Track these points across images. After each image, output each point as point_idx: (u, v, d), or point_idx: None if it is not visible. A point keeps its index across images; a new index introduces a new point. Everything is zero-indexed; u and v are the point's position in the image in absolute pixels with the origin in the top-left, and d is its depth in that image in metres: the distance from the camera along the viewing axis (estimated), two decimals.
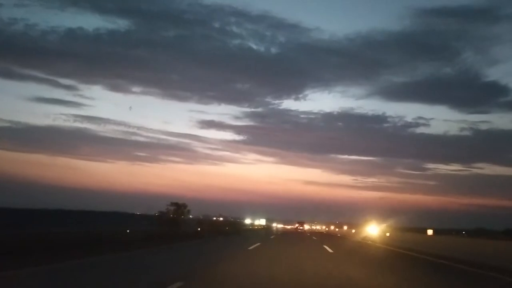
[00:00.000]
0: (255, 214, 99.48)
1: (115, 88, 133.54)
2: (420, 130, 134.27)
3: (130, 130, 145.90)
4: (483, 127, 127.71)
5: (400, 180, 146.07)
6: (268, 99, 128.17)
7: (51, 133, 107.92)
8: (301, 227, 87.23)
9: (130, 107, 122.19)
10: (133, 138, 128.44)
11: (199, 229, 31.28)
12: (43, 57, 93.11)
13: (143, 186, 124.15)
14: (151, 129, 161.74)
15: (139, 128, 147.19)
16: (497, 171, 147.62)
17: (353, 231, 50.80)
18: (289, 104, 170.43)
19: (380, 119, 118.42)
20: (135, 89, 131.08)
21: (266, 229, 74.64)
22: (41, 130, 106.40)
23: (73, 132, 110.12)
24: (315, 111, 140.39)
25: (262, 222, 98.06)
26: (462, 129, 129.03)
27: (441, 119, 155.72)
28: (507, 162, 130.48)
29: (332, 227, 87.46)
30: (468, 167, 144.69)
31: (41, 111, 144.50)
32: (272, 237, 33.56)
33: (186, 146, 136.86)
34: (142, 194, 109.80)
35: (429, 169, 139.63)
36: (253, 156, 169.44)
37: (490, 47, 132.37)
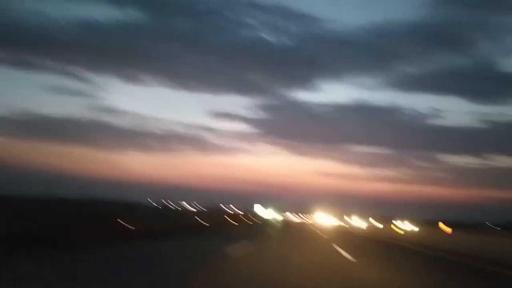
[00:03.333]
0: (266, 205, 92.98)
1: (128, 79, 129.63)
2: (433, 121, 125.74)
3: (143, 121, 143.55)
4: (498, 119, 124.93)
5: (412, 172, 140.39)
6: (281, 90, 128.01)
7: (66, 124, 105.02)
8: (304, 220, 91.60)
9: None
10: (146, 128, 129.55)
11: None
12: (57, 47, 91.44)
13: (155, 176, 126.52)
14: (163, 119, 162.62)
15: (152, 119, 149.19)
16: (510, 163, 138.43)
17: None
18: (301, 95, 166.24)
19: (393, 110, 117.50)
20: (148, 80, 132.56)
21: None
22: (56, 120, 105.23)
23: (88, 123, 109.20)
24: (328, 102, 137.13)
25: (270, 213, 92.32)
26: (477, 121, 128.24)
27: (455, 110, 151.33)
28: None
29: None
30: (482, 159, 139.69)
31: (56, 101, 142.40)
32: None
33: (198, 137, 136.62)
34: (154, 184, 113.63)
35: (441, 161, 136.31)
36: (265, 147, 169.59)
37: (506, 37, 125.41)
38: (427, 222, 52.56)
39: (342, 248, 15.35)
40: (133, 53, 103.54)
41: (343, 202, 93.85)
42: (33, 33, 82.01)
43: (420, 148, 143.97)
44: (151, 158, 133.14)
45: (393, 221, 49.69)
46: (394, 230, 36.38)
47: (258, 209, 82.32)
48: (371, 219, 62.40)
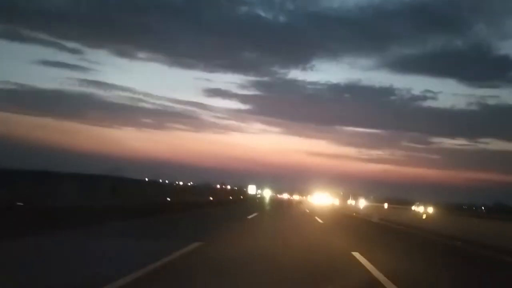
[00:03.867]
0: (258, 184, 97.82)
1: (121, 53, 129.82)
2: (427, 103, 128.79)
3: (136, 96, 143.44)
4: (491, 101, 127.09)
5: (405, 153, 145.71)
6: (275, 69, 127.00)
7: (58, 97, 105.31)
8: (291, 197, 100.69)
9: None
10: (139, 104, 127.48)
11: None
12: (49, 19, 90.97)
13: (149, 153, 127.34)
14: (157, 96, 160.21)
15: (145, 95, 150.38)
16: (503, 146, 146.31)
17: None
18: (296, 74, 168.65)
19: (387, 91, 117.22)
20: (141, 55, 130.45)
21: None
22: (48, 93, 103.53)
23: (79, 97, 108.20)
24: (322, 82, 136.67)
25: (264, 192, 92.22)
26: (470, 103, 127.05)
27: (449, 93, 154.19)
28: None
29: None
30: (474, 142, 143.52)
31: (47, 74, 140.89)
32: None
33: (192, 114, 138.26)
34: (148, 160, 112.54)
35: (434, 143, 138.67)
36: (258, 125, 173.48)
37: (502, 20, 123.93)
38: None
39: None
40: (126, 27, 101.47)
41: (334, 182, 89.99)
42: (24, 6, 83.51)
43: (413, 130, 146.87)
44: (143, 134, 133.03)
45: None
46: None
47: (251, 188, 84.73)
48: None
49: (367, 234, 15.17)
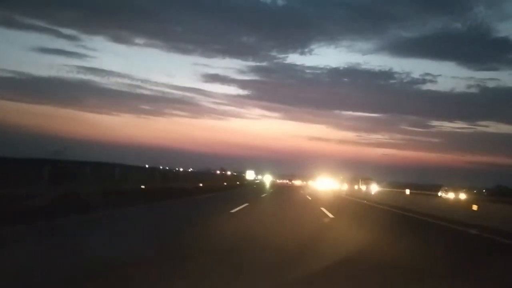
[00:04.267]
0: (258, 169, 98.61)
1: (118, 39, 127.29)
2: (426, 86, 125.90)
3: (134, 83, 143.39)
4: (491, 84, 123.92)
5: (404, 137, 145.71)
6: (273, 53, 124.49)
7: (55, 84, 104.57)
8: (290, 182, 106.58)
9: None
10: (138, 91, 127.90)
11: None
12: (45, 6, 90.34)
13: (148, 139, 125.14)
14: (155, 82, 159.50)
15: (143, 81, 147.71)
16: (502, 129, 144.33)
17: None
18: (294, 58, 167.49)
19: (386, 75, 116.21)
20: (138, 40, 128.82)
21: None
22: (45, 81, 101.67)
23: (77, 84, 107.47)
24: (321, 66, 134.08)
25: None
26: (469, 86, 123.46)
27: (449, 75, 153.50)
28: None
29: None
30: (473, 125, 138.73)
31: (44, 61, 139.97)
32: None
33: (190, 100, 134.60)
34: (147, 147, 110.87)
35: (433, 126, 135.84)
36: (257, 111, 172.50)
37: (502, 2, 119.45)
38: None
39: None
40: (124, 14, 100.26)
41: (336, 167, 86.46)
42: None
43: (412, 113, 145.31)
44: (142, 121, 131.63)
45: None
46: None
47: (249, 174, 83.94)
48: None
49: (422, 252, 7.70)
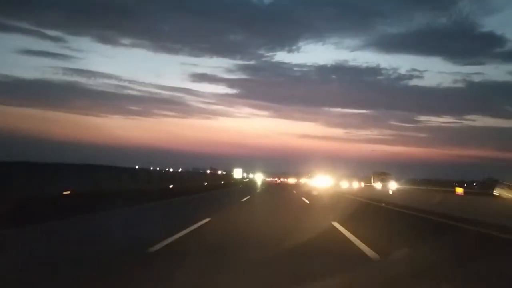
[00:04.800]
0: (249, 168, 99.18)
1: (103, 40, 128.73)
2: (413, 82, 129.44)
3: (122, 83, 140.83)
4: (477, 79, 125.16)
5: (393, 132, 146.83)
6: (261, 51, 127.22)
7: (41, 87, 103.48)
8: (279, 180, 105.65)
9: None
10: (125, 92, 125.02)
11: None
12: (29, 8, 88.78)
13: (137, 140, 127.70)
14: (143, 82, 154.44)
15: (130, 81, 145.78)
16: (488, 123, 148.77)
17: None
18: (282, 56, 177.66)
19: (374, 71, 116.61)
20: (125, 41, 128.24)
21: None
22: (30, 83, 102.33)
23: (63, 86, 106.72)
24: (309, 63, 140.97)
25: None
26: (456, 81, 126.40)
27: (435, 71, 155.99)
28: (499, 114, 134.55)
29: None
30: (460, 119, 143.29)
31: (29, 64, 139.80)
32: None
33: (179, 100, 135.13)
34: (136, 148, 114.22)
35: (421, 121, 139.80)
36: (246, 109, 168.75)
37: None
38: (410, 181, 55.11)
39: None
40: (109, 14, 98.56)
41: (328, 163, 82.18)
42: None
43: (400, 109, 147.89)
44: (130, 122, 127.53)
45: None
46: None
47: (237, 172, 78.63)
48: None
49: None
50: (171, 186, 29.97)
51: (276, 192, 33.78)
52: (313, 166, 68.64)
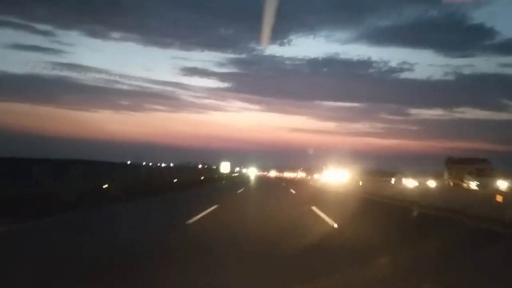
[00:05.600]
0: (241, 162, 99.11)
1: (93, 33, 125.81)
2: (404, 75, 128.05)
3: (112, 78, 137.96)
4: (467, 71, 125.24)
5: (384, 125, 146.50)
6: (252, 45, 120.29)
7: (31, 82, 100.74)
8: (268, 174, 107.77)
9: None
10: (116, 86, 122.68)
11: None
12: (17, 1, 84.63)
13: (128, 135, 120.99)
14: (133, 76, 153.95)
15: (121, 76, 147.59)
16: (478, 115, 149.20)
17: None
18: (273, 49, 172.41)
19: (365, 64, 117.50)
20: (115, 34, 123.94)
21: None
22: (20, 78, 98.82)
23: (53, 81, 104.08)
24: (300, 56, 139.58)
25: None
26: (446, 73, 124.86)
27: (426, 63, 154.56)
28: (489, 106, 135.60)
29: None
30: (451, 112, 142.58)
31: (19, 58, 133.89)
32: None
33: (170, 94, 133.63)
34: (127, 143, 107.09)
35: (412, 114, 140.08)
36: (238, 103, 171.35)
37: None
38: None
39: None
40: (98, 7, 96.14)
41: (317, 157, 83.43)
42: None
43: (391, 102, 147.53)
44: (121, 116, 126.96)
45: None
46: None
47: (224, 166, 73.96)
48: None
49: None
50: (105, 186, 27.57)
51: (267, 193, 26.21)
52: (310, 159, 68.56)
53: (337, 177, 45.21)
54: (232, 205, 15.34)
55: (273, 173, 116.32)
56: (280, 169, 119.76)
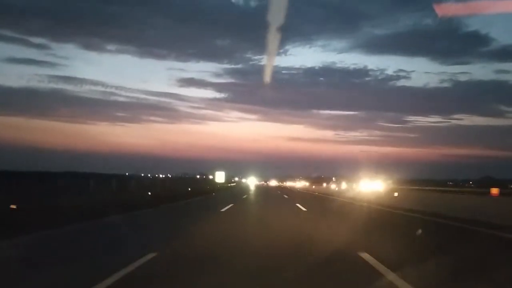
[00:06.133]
0: (239, 172, 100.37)
1: (89, 46, 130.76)
2: (401, 83, 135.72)
3: (108, 90, 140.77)
4: (463, 78, 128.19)
5: (382, 133, 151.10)
6: (249, 55, 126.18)
7: (26, 95, 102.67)
8: (265, 183, 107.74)
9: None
10: (112, 98, 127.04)
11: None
12: (12, 15, 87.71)
13: (125, 147, 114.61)
14: (130, 88, 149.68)
15: (117, 88, 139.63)
16: (475, 121, 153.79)
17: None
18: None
19: (361, 73, 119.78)
20: (110, 47, 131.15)
21: None
22: (16, 92, 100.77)
23: (49, 94, 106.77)
24: (297, 66, 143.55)
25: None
26: (442, 80, 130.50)
27: (422, 71, 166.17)
28: (486, 112, 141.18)
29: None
30: (448, 119, 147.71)
31: (14, 72, 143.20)
32: None
33: (167, 105, 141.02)
34: (125, 155, 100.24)
35: (409, 121, 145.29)
36: (235, 114, 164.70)
37: None
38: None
39: None
40: (92, 19, 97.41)
41: (314, 165, 79.12)
42: None
43: (388, 110, 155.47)
44: (118, 128, 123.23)
45: None
46: None
47: (219, 176, 68.04)
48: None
49: None
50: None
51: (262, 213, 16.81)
52: (299, 169, 62.63)
53: (371, 187, 41.65)
54: (176, 256, 6.31)
55: (273, 183, 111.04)
56: (281, 178, 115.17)
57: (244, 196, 31.97)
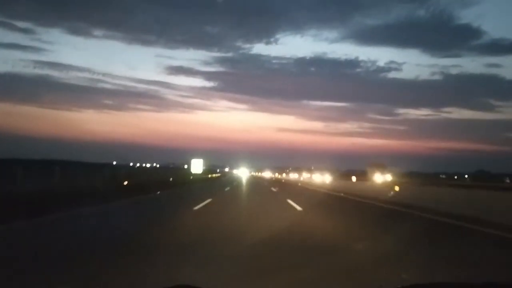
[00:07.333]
0: (232, 163, 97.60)
1: (75, 31, 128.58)
2: (392, 75, 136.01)
3: (95, 77, 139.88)
4: (454, 71, 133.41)
5: (372, 125, 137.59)
6: (239, 43, 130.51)
7: (11, 80, 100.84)
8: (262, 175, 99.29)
9: None
10: (99, 85, 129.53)
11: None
12: None
13: (111, 135, 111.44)
14: (117, 75, 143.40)
15: (104, 74, 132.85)
16: (465, 115, 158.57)
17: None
18: (260, 48, 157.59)
19: (352, 63, 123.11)
20: (97, 32, 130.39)
21: None
22: (0, 77, 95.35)
23: (35, 80, 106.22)
24: (287, 56, 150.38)
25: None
26: (433, 73, 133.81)
27: (413, 63, 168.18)
28: (475, 106, 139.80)
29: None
30: (438, 112, 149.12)
31: None
32: None
33: (154, 93, 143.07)
34: (110, 143, 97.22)
35: (399, 114, 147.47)
36: (224, 103, 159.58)
37: None
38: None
39: None
40: (80, 4, 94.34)
41: (304, 157, 74.84)
42: None
43: (379, 102, 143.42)
44: (105, 116, 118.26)
45: None
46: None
47: (195, 164, 55.92)
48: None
49: None
50: None
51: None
52: (290, 160, 58.36)
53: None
54: None
55: (267, 174, 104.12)
56: (276, 169, 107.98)
57: (217, 195, 22.77)
